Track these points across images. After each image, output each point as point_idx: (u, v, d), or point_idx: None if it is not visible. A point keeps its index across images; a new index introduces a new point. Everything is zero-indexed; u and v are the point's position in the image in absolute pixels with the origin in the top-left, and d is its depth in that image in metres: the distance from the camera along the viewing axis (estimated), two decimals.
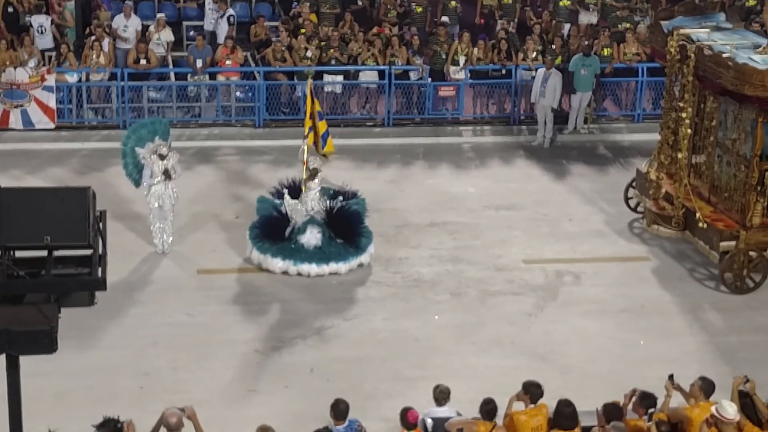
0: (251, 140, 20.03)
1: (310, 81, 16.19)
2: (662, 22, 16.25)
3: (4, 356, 8.10)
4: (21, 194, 8.42)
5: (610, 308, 14.43)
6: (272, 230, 15.11)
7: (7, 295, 8.05)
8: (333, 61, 20.77)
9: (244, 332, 13.59)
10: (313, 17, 21.93)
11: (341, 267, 15.04)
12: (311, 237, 15.00)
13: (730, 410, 9.22)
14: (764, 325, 14.14)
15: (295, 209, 15.12)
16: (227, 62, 20.56)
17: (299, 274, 14.92)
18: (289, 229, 15.06)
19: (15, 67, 19.68)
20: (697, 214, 15.04)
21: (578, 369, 12.86)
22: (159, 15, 21.80)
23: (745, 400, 9.70)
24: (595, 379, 12.32)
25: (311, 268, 14.93)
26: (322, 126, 15.42)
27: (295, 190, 15.43)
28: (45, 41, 20.96)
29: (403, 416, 9.51)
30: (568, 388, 10.62)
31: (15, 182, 16.90)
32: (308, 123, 15.27)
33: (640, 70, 21.23)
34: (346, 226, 15.15)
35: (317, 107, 15.46)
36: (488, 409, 9.60)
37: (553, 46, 21.05)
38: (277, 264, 14.96)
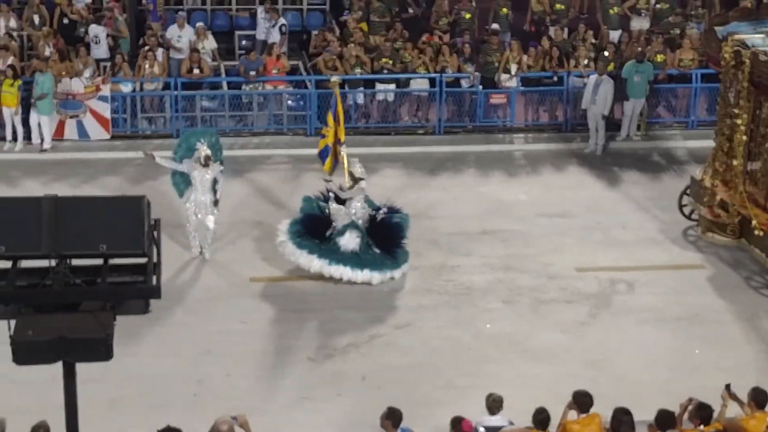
0: (302, 148, 20.03)
1: (337, 89, 15.46)
2: (717, 28, 16.11)
3: (60, 363, 8.20)
4: (77, 203, 8.48)
5: (665, 316, 14.29)
6: (314, 228, 14.89)
7: (64, 302, 8.14)
8: (385, 71, 20.80)
9: (296, 340, 13.63)
10: (364, 26, 21.98)
11: (374, 276, 14.76)
12: (350, 240, 14.80)
13: None
14: None
15: (338, 213, 14.99)
16: (273, 71, 20.65)
17: (331, 276, 14.74)
18: (329, 231, 14.92)
19: (71, 78, 19.93)
20: (753, 222, 14.87)
21: (632, 378, 12.74)
22: (198, 24, 21.77)
23: None
24: (649, 388, 12.18)
25: (344, 272, 14.68)
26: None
27: (341, 199, 15.28)
28: (100, 51, 21.19)
29: (456, 425, 9.40)
30: (622, 397, 10.48)
31: (72, 191, 17.14)
32: (342, 131, 15.26)
33: (694, 77, 21.03)
34: (387, 237, 14.96)
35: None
36: (541, 418, 9.55)
37: (606, 53, 20.90)
38: (312, 261, 14.71)
